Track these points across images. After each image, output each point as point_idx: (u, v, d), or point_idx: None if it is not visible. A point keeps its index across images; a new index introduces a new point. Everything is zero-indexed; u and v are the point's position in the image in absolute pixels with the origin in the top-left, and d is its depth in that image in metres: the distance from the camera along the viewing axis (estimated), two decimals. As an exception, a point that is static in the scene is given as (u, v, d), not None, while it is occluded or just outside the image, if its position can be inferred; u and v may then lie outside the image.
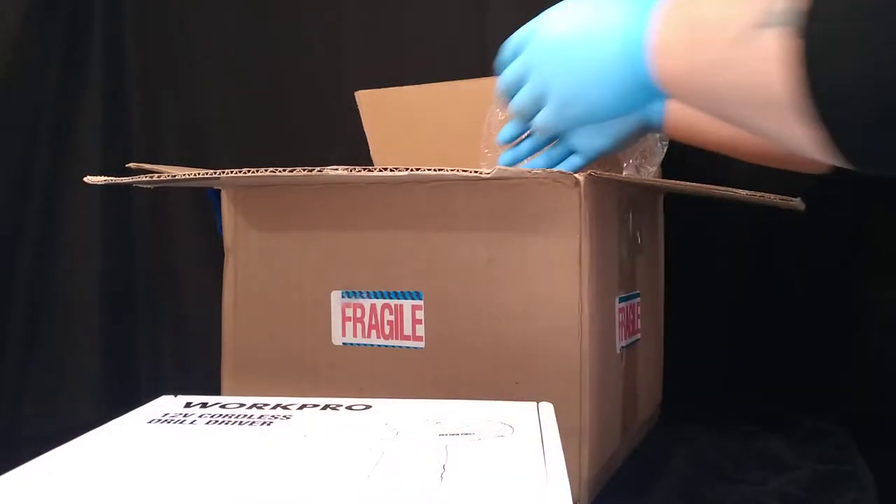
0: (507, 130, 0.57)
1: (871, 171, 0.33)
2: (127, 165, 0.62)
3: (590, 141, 0.57)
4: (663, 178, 0.74)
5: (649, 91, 0.43)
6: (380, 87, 0.80)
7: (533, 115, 0.52)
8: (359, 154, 0.80)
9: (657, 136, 0.71)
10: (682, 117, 0.56)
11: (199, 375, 0.92)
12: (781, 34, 0.31)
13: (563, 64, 0.48)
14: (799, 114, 0.31)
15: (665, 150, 0.68)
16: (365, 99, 0.80)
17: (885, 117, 0.29)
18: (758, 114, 0.35)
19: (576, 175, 0.50)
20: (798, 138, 0.33)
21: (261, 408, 0.38)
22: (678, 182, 0.62)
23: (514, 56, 0.53)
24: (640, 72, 0.42)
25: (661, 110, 0.56)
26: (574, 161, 0.58)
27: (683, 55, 0.39)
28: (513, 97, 0.53)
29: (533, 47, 0.50)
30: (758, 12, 0.32)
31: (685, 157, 0.73)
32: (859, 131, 0.31)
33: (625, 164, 0.72)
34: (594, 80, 0.46)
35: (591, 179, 0.50)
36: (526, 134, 0.57)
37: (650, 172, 0.72)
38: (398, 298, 0.57)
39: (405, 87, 0.78)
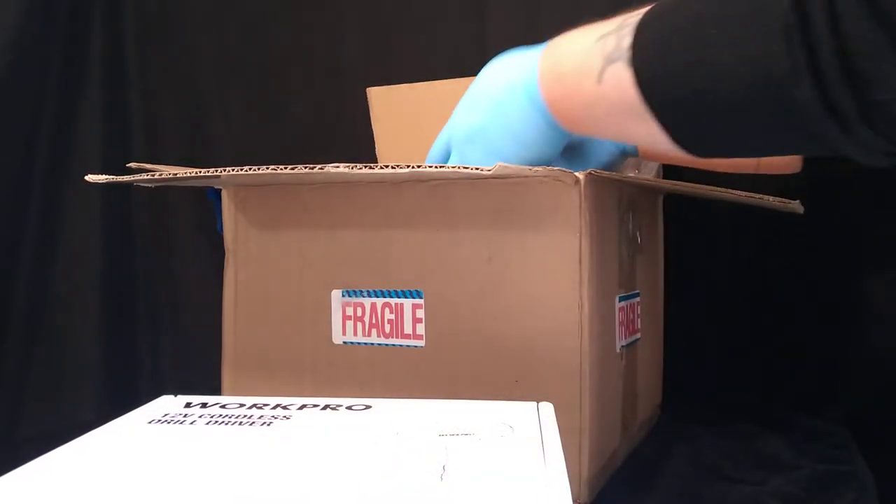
0: None
1: (706, 157, 0.43)
2: (127, 165, 0.62)
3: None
4: (663, 178, 0.74)
5: (563, 133, 0.51)
6: (379, 87, 0.80)
7: None
8: (359, 154, 0.80)
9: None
10: (653, 153, 0.65)
11: (199, 375, 0.92)
12: (622, 65, 0.41)
13: (485, 139, 0.52)
14: (652, 121, 0.41)
15: None
16: (376, 96, 0.80)
17: (690, 115, 0.39)
18: (631, 128, 0.44)
19: (576, 174, 0.50)
20: (662, 142, 0.42)
21: (261, 408, 0.38)
22: (678, 182, 0.62)
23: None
24: (549, 119, 0.49)
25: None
26: None
27: (564, 103, 0.48)
28: None
29: (457, 142, 0.54)
30: (603, 55, 0.42)
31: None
32: (682, 126, 0.40)
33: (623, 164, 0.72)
34: (518, 135, 0.51)
35: (591, 178, 0.50)
36: None
37: (651, 170, 0.72)
38: (398, 297, 0.57)
39: (415, 84, 0.78)
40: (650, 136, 0.42)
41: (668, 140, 0.41)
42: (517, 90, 0.50)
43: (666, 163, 0.67)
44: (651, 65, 0.40)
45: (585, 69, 0.44)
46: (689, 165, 0.61)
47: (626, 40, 0.41)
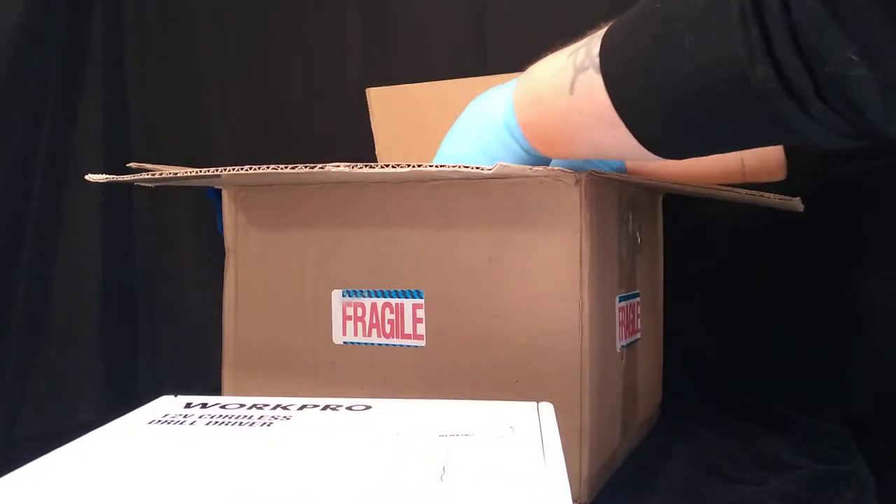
0: None
1: (675, 158, 0.43)
2: (128, 165, 0.62)
3: None
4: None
5: (540, 158, 0.52)
6: (379, 86, 0.80)
7: None
8: (360, 154, 0.80)
9: None
10: (640, 165, 0.67)
11: (199, 375, 0.92)
12: (592, 72, 0.42)
13: (469, 160, 0.54)
14: (624, 128, 0.41)
15: None
16: (375, 96, 0.79)
17: (658, 112, 0.40)
18: (603, 139, 0.45)
19: (576, 174, 0.50)
20: (633, 149, 0.43)
21: (261, 408, 0.38)
22: (678, 182, 0.62)
23: None
24: (526, 147, 0.51)
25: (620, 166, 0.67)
26: None
27: (539, 125, 0.49)
28: None
29: None
30: (574, 66, 0.43)
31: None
32: (650, 125, 0.41)
33: None
34: (497, 160, 0.52)
35: (591, 178, 0.50)
36: None
37: None
38: (399, 297, 0.57)
39: (415, 84, 0.78)
40: (621, 144, 0.43)
41: (638, 145, 0.42)
42: (497, 122, 0.51)
43: (651, 183, 0.68)
44: (619, 65, 0.40)
45: (558, 84, 0.45)
46: (676, 183, 0.61)
47: (595, 48, 0.42)
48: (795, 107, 0.33)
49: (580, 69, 0.43)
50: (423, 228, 0.56)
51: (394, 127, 0.79)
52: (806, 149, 0.65)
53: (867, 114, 0.31)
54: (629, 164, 0.67)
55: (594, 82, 0.42)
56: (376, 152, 0.80)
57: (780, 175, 0.66)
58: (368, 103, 0.80)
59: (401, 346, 0.57)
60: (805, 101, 0.32)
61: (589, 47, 0.42)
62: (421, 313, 0.56)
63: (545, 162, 0.53)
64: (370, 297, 0.58)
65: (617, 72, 0.41)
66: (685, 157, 0.44)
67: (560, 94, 0.45)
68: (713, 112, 0.37)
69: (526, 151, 0.51)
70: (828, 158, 0.67)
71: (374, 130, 0.80)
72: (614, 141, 0.44)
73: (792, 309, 0.80)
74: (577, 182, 0.50)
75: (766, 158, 0.66)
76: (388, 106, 0.79)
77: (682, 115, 0.39)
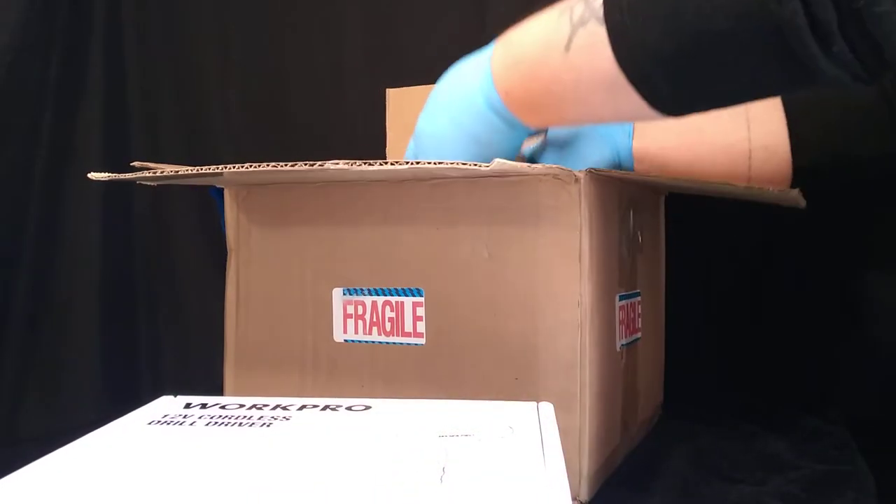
0: None
1: (680, 114, 0.42)
2: (131, 164, 0.62)
3: None
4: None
5: (522, 129, 0.51)
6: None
7: None
8: (360, 154, 0.80)
9: None
10: (647, 155, 0.66)
11: (200, 374, 0.92)
12: (594, 24, 0.40)
13: (448, 144, 0.52)
14: (624, 85, 0.40)
15: None
16: (394, 97, 0.79)
17: (669, 62, 0.38)
18: (597, 101, 0.43)
19: (576, 172, 0.50)
20: (631, 109, 0.41)
21: (260, 409, 0.38)
22: (677, 179, 0.62)
23: None
24: (507, 117, 0.49)
25: (628, 148, 0.66)
26: None
27: (522, 89, 0.47)
28: None
29: (423, 151, 0.55)
30: (571, 22, 0.41)
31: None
32: (656, 79, 0.39)
33: None
34: (477, 137, 0.51)
35: (591, 176, 0.50)
36: None
37: None
38: (399, 295, 0.57)
39: (433, 86, 0.77)
40: (619, 104, 0.42)
41: (636, 105, 0.40)
42: (472, 91, 0.50)
43: (653, 182, 0.68)
44: (626, 13, 0.38)
45: (549, 44, 0.43)
46: (677, 181, 0.61)
47: (597, 1, 0.40)
48: (816, 45, 0.33)
49: (579, 23, 0.41)
50: (423, 227, 0.56)
51: (407, 127, 0.79)
52: (814, 144, 0.64)
53: (887, 52, 0.31)
54: (638, 154, 0.66)
55: (595, 35, 0.40)
56: (386, 152, 0.80)
57: (785, 181, 0.66)
58: (387, 104, 0.79)
59: (401, 344, 0.57)
60: (828, 38, 0.32)
61: (588, 1, 0.41)
62: (421, 311, 0.56)
63: (528, 133, 0.51)
64: (370, 295, 0.58)
65: (623, 20, 0.39)
66: (689, 113, 0.42)
67: (551, 54, 0.43)
68: (729, 56, 0.36)
69: (507, 123, 0.50)
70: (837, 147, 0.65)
71: (388, 131, 0.79)
72: (611, 100, 0.42)
73: (792, 309, 0.80)
74: (577, 181, 0.50)
75: (772, 156, 0.65)
76: (403, 106, 0.78)
77: (694, 62, 0.38)
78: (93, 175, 0.55)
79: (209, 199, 0.67)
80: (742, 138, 0.63)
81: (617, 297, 0.57)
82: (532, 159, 0.67)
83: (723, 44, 0.36)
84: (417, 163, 0.47)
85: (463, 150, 0.52)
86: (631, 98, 0.41)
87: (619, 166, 0.66)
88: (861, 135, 0.62)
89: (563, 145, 0.66)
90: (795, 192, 0.60)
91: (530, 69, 0.46)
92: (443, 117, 0.53)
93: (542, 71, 0.45)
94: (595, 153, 0.65)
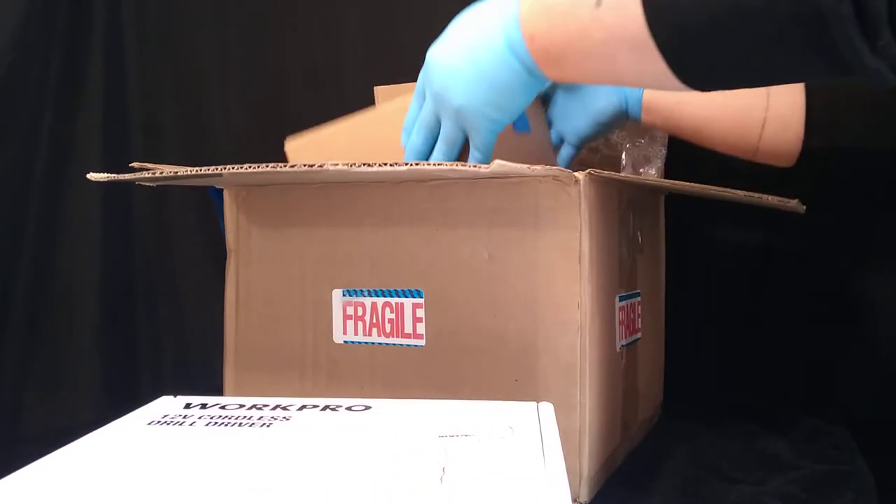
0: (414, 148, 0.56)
1: (703, 88, 0.41)
2: (130, 164, 0.62)
3: (571, 124, 0.65)
4: (664, 178, 0.74)
5: (540, 79, 0.49)
6: (380, 86, 0.80)
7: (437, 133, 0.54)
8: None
9: (658, 138, 0.72)
10: (657, 105, 0.64)
11: (200, 374, 0.92)
12: None
13: (459, 80, 0.50)
14: (651, 49, 0.39)
15: (665, 156, 0.69)
16: (382, 94, 0.79)
17: (699, 33, 0.37)
18: (621, 60, 0.42)
19: (575, 174, 0.50)
20: (654, 74, 0.40)
21: (260, 409, 0.38)
22: (678, 182, 0.62)
23: (419, 107, 0.55)
24: (528, 64, 0.48)
25: (638, 98, 0.64)
26: (565, 152, 0.67)
27: (548, 39, 0.45)
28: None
29: (431, 84, 0.52)
30: None
31: (684, 158, 0.73)
32: (685, 50, 0.39)
33: (622, 164, 0.72)
34: (492, 79, 0.49)
35: (590, 178, 0.50)
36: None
37: (656, 169, 0.72)
38: (399, 297, 0.57)
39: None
40: (643, 67, 0.41)
41: (660, 71, 0.40)
42: (495, 31, 0.48)
43: (661, 129, 0.67)
44: None
45: None
46: (677, 183, 0.61)
47: None
48: (860, 35, 0.32)
49: None
50: (422, 228, 0.56)
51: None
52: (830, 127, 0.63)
53: None
54: (647, 106, 0.64)
55: None
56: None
57: (791, 160, 0.63)
58: (376, 101, 0.79)
59: (401, 345, 0.57)
60: (875, 30, 0.31)
61: None
62: (421, 313, 0.56)
63: (543, 83, 0.50)
64: (370, 296, 0.58)
65: None
66: (712, 88, 0.41)
67: (581, 7, 0.42)
68: (763, 35, 0.35)
69: (526, 70, 0.48)
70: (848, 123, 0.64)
71: None
72: (636, 63, 0.41)
73: (792, 309, 0.80)
74: (577, 182, 0.50)
75: (785, 130, 0.63)
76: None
77: (724, 37, 0.37)
78: (92, 176, 0.55)
79: (209, 200, 0.67)
80: (759, 105, 0.61)
81: (617, 298, 0.57)
82: (545, 96, 0.67)
83: (756, 22, 0.35)
84: (416, 164, 0.47)
85: (474, 90, 0.50)
86: (656, 63, 0.40)
87: (625, 114, 0.65)
88: (879, 127, 0.61)
89: (572, 87, 0.65)
90: (795, 202, 0.60)
91: (559, 18, 0.44)
92: (459, 51, 0.50)
93: (570, 23, 0.43)
94: (603, 98, 0.64)
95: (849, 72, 0.34)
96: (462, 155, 0.54)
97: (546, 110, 0.67)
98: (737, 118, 0.62)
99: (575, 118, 0.66)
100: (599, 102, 0.64)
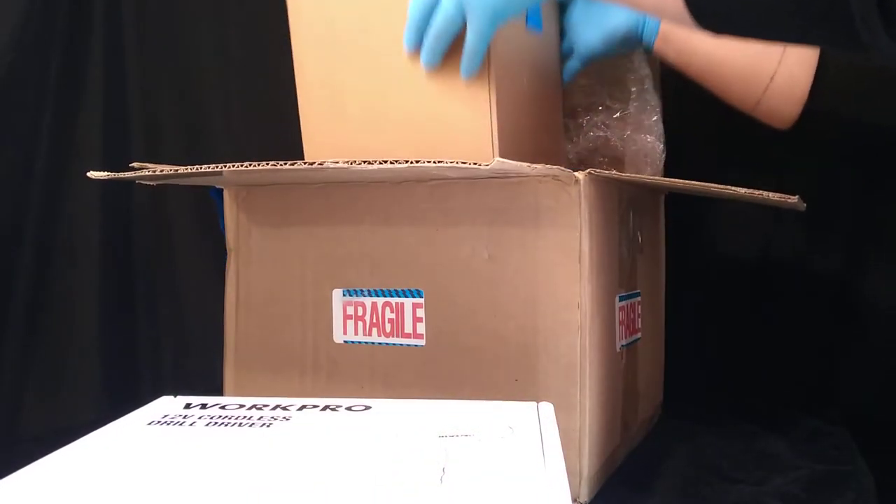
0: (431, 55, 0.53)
1: (717, 32, 0.41)
2: (130, 165, 0.62)
3: (583, 36, 0.64)
4: (664, 177, 0.74)
5: None
6: None
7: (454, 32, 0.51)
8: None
9: (656, 136, 0.71)
10: (673, 36, 0.63)
11: (200, 374, 0.92)
12: None
13: None
14: None
15: (664, 156, 0.69)
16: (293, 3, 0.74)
17: None
18: None
19: (576, 174, 0.50)
20: (672, 9, 0.40)
21: (260, 409, 0.38)
22: (678, 181, 0.62)
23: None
24: None
25: (654, 25, 0.63)
26: (571, 65, 0.66)
27: None
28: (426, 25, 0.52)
29: None
30: None
31: (684, 158, 0.73)
32: None
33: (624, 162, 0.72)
34: None
35: (591, 178, 0.50)
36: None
37: (656, 168, 0.72)
38: (399, 296, 0.57)
39: None
40: (661, 1, 0.41)
41: (679, 9, 0.39)
42: None
43: (672, 64, 0.65)
44: None
45: None
46: (677, 183, 0.61)
47: None
48: (881, 22, 0.32)
49: None
50: (423, 228, 0.56)
51: (313, 36, 0.68)
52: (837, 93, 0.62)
53: None
54: (662, 36, 0.63)
55: None
56: (294, 66, 0.69)
57: (788, 120, 0.63)
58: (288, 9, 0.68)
59: (401, 345, 0.57)
60: (893, 18, 0.31)
61: None
62: (421, 312, 0.56)
63: None
64: (370, 296, 0.58)
65: None
66: (722, 35, 0.41)
67: None
68: (781, 7, 0.36)
69: None
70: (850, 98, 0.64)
71: (292, 41, 0.70)
72: (661, 2, 0.41)
73: (792, 309, 0.80)
74: (577, 182, 0.50)
75: (793, 87, 0.62)
76: (307, 11, 0.68)
77: None
78: (92, 174, 0.55)
79: (209, 200, 0.67)
80: (773, 58, 0.61)
81: (617, 298, 0.57)
82: (562, 3, 0.65)
83: None
84: (416, 161, 0.47)
85: None
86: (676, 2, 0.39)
87: (639, 39, 0.64)
88: (886, 100, 0.60)
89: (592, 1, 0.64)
90: (795, 199, 0.60)
91: None
92: None
93: None
94: (621, 15, 0.63)
95: (863, 50, 0.34)
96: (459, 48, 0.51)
97: (562, 18, 0.66)
98: (748, 66, 0.62)
99: (589, 30, 0.64)
100: (616, 19, 0.63)
